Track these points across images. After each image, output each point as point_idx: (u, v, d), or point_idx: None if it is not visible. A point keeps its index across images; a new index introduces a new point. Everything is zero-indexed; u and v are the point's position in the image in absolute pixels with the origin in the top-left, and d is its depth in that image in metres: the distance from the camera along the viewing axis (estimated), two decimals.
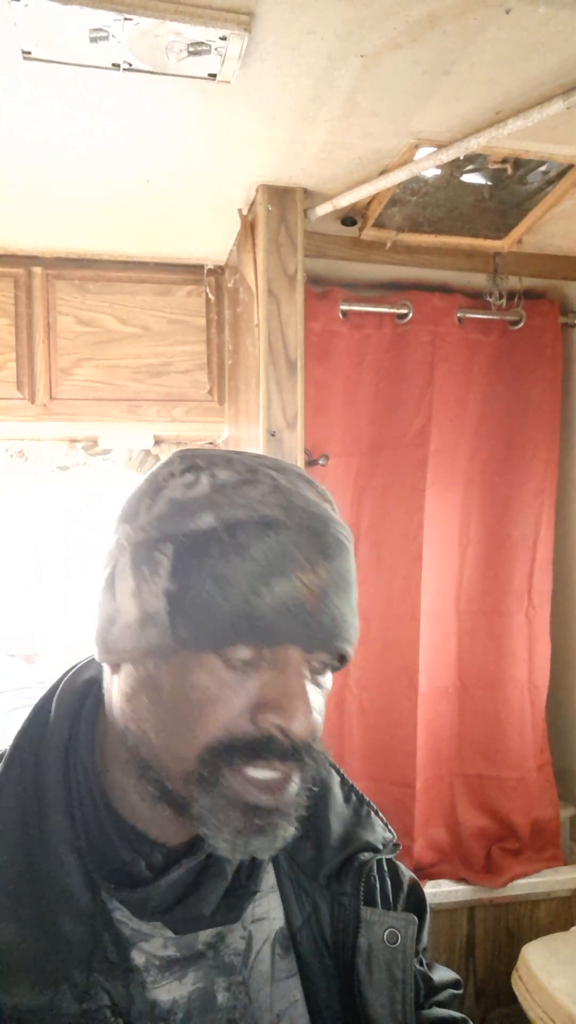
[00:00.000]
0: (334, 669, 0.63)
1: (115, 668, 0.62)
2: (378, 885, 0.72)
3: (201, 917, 0.62)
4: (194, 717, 0.57)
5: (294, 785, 0.58)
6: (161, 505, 0.59)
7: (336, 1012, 0.67)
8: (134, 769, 0.61)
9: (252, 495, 0.58)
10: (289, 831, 0.59)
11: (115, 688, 0.62)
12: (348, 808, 0.74)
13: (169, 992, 0.61)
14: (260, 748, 0.56)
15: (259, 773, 0.57)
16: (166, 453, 2.14)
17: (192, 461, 0.61)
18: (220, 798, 0.56)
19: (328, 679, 0.63)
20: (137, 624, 0.58)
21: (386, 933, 0.68)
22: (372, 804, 0.76)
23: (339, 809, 0.73)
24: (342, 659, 0.62)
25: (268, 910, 0.68)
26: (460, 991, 0.78)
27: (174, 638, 0.57)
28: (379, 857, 0.72)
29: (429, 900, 0.79)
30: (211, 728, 0.56)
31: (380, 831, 0.74)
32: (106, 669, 0.64)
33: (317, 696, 0.60)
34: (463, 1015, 0.75)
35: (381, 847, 0.72)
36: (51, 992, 0.56)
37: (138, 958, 0.60)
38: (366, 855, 0.71)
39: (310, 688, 0.59)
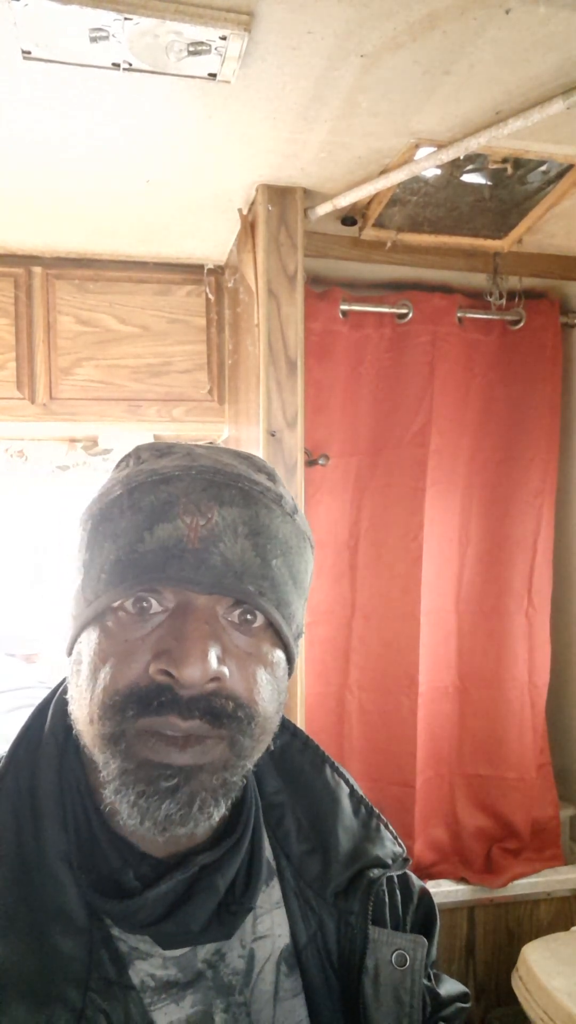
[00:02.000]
0: (284, 648, 0.61)
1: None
2: (387, 899, 0.70)
3: (190, 932, 0.60)
4: (101, 677, 0.56)
5: (215, 746, 0.55)
6: (97, 491, 0.63)
7: None
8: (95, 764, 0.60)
9: (161, 463, 0.60)
10: (211, 805, 0.55)
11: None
12: (357, 821, 0.71)
13: (167, 1015, 0.58)
14: (151, 698, 0.54)
15: (164, 731, 0.54)
16: None
17: (132, 450, 0.65)
18: (125, 758, 0.54)
19: (274, 653, 0.60)
20: (72, 605, 0.61)
21: (394, 955, 0.66)
22: (382, 816, 0.73)
23: (348, 822, 0.71)
24: (273, 627, 0.59)
25: (272, 927, 0.65)
26: (468, 1004, 0.75)
27: (84, 602, 0.58)
28: (388, 874, 0.69)
29: None
30: (114, 684, 0.55)
31: (390, 845, 0.71)
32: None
33: (252, 665, 0.58)
34: None
35: (390, 862, 0.70)
36: (46, 1012, 0.54)
37: (135, 978, 0.58)
38: (375, 872, 0.68)
39: (227, 642, 0.56)
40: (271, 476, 0.63)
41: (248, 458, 0.64)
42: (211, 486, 0.57)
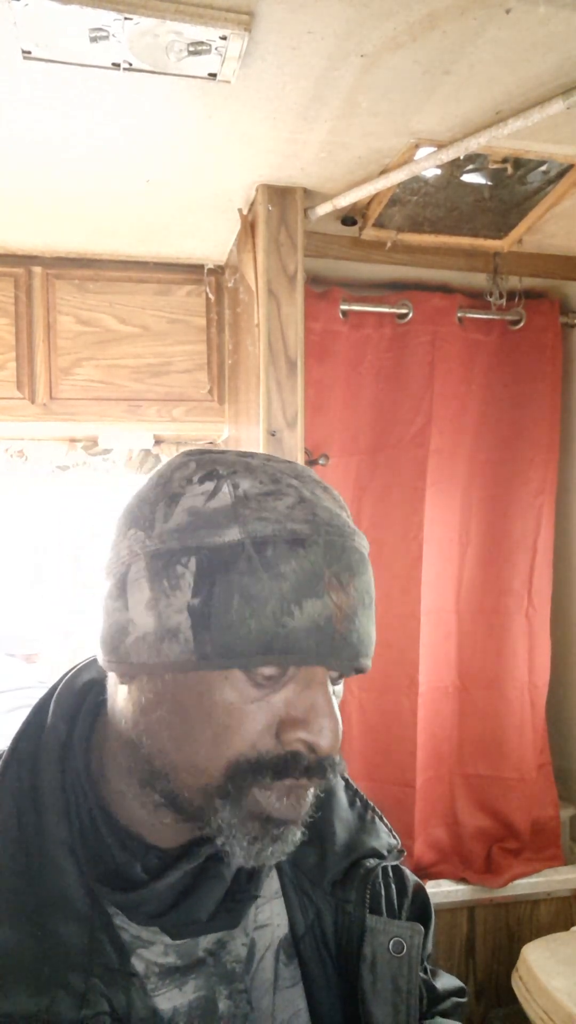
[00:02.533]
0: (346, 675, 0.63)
1: (125, 678, 0.60)
2: (383, 892, 0.71)
3: (198, 922, 0.61)
4: (218, 733, 0.56)
5: (311, 795, 0.59)
6: (180, 515, 0.57)
7: (339, 1022, 0.65)
8: (141, 777, 0.60)
9: (278, 508, 0.57)
10: (298, 836, 0.59)
11: (125, 697, 0.61)
12: (353, 813, 0.73)
13: (169, 1000, 0.59)
14: (287, 765, 0.56)
15: (286, 791, 0.57)
16: (166, 453, 2.14)
17: (211, 468, 0.59)
18: (243, 811, 0.56)
19: (340, 686, 0.63)
20: (155, 638, 0.56)
21: (391, 942, 0.67)
22: (377, 809, 0.75)
23: (344, 815, 0.72)
24: (358, 670, 0.62)
25: (271, 916, 0.66)
26: (464, 999, 0.76)
27: (198, 654, 0.55)
28: (384, 864, 0.71)
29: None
30: (237, 745, 0.56)
31: (385, 837, 0.73)
32: (112, 676, 0.63)
33: (336, 708, 0.60)
34: None
35: (386, 853, 0.71)
36: (48, 998, 0.54)
37: (138, 965, 0.59)
38: (371, 862, 0.70)
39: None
40: (346, 510, 0.62)
41: (327, 489, 0.62)
42: (339, 552, 0.57)
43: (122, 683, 0.61)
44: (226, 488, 0.57)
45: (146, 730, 0.59)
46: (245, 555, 0.54)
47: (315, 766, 0.57)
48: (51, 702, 0.67)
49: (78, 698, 0.67)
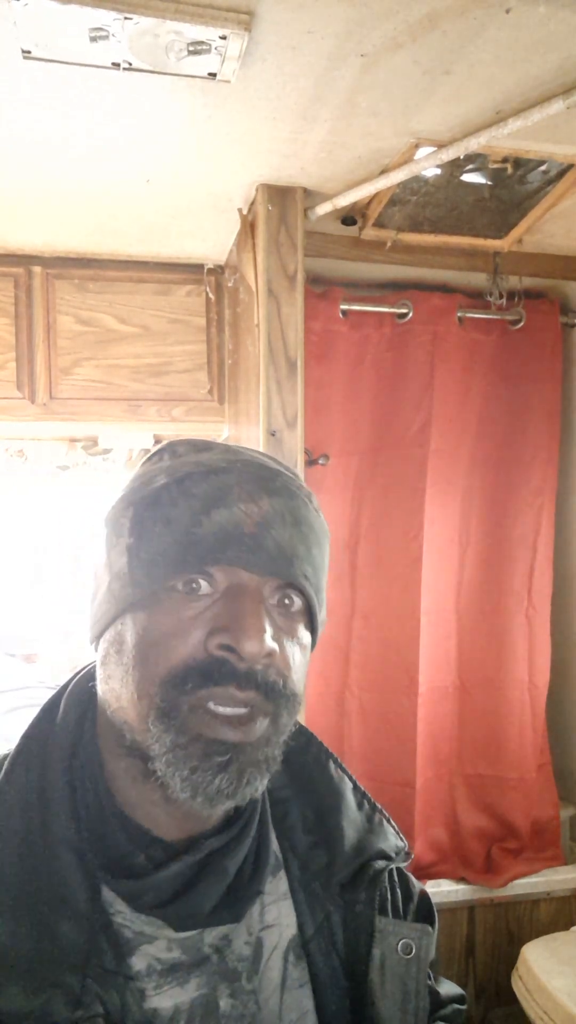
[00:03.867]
0: (311, 630, 0.64)
1: (95, 642, 0.64)
2: (389, 895, 0.71)
3: (200, 914, 0.61)
4: (153, 654, 0.57)
5: (261, 723, 0.58)
6: (129, 483, 0.65)
7: (348, 1022, 0.65)
8: (119, 748, 0.61)
9: (203, 456, 0.63)
10: (257, 779, 0.58)
11: (98, 664, 0.64)
12: (361, 815, 0.73)
13: (171, 998, 0.59)
14: (213, 671, 0.56)
15: (221, 708, 0.56)
16: None
17: (160, 446, 0.67)
18: (179, 732, 0.56)
19: (304, 635, 0.63)
20: (107, 587, 0.61)
21: (400, 944, 0.67)
22: (384, 812, 0.75)
23: (352, 816, 0.72)
24: (310, 611, 0.63)
25: (279, 917, 0.66)
26: (464, 1007, 0.77)
27: (133, 584, 0.59)
28: (393, 866, 0.71)
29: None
30: (168, 660, 0.57)
31: (393, 839, 0.73)
32: (97, 654, 0.65)
33: (290, 645, 0.61)
34: None
35: (394, 855, 0.72)
36: (43, 997, 0.54)
37: (140, 963, 0.59)
38: (380, 863, 0.70)
39: (272, 623, 0.59)
40: (293, 472, 0.67)
41: (274, 458, 0.67)
42: (259, 478, 0.61)
43: (96, 651, 0.64)
44: (167, 454, 0.66)
45: (104, 680, 0.62)
46: (167, 490, 0.60)
47: (244, 675, 0.56)
48: (62, 700, 0.68)
49: (87, 697, 0.68)
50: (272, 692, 0.58)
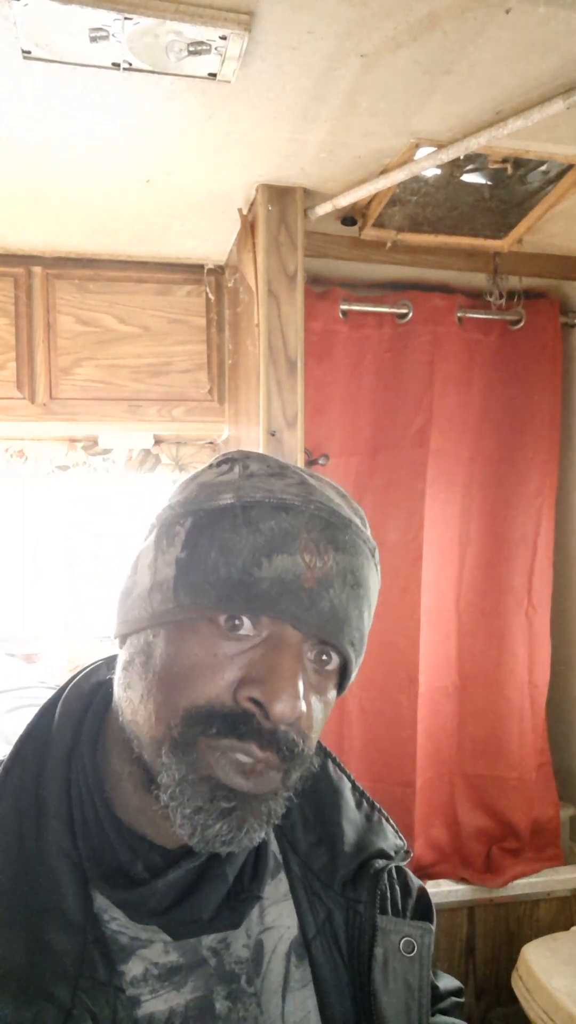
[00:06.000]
0: (339, 687, 0.62)
1: (120, 639, 0.63)
2: (388, 893, 0.71)
3: (199, 921, 0.60)
4: (180, 683, 0.56)
5: (273, 777, 0.57)
6: (192, 488, 0.62)
7: (350, 1022, 0.65)
8: (126, 753, 0.61)
9: (276, 484, 0.59)
10: (256, 830, 0.57)
11: (118, 665, 0.63)
12: (360, 814, 0.73)
13: (166, 1002, 0.59)
14: (238, 723, 0.55)
15: (237, 754, 0.55)
16: (166, 453, 2.14)
17: (231, 455, 0.64)
18: (190, 769, 0.55)
19: (332, 693, 0.62)
20: (147, 591, 0.59)
21: (402, 942, 0.67)
22: (383, 810, 0.75)
23: (352, 815, 0.72)
24: (344, 670, 0.61)
25: (279, 918, 0.66)
26: (462, 999, 0.77)
27: (175, 602, 0.57)
28: (393, 864, 0.71)
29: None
30: (194, 695, 0.55)
31: (392, 838, 0.73)
32: (118, 659, 0.64)
33: (317, 703, 0.59)
34: (465, 1023, 0.74)
35: (393, 854, 0.72)
36: (33, 1009, 0.54)
37: (135, 968, 0.59)
38: (380, 862, 0.70)
39: (305, 681, 0.57)
40: (363, 519, 0.64)
41: (345, 497, 0.64)
42: (329, 527, 0.58)
43: (120, 647, 0.63)
44: (237, 468, 0.62)
45: (123, 686, 0.61)
46: (231, 513, 0.57)
47: (268, 734, 0.55)
48: (58, 704, 0.67)
49: (85, 699, 0.67)
50: (290, 754, 0.56)
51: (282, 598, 0.56)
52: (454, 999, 0.76)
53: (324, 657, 0.59)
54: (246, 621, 0.57)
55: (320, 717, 0.60)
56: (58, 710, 0.66)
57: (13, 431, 2.00)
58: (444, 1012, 0.75)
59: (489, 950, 1.98)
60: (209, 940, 0.62)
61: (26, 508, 2.31)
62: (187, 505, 0.60)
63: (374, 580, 0.62)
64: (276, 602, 0.55)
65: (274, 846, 0.69)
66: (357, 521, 0.62)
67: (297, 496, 0.59)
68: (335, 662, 0.60)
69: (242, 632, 0.57)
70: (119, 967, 0.58)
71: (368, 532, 0.63)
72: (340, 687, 0.63)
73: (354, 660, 0.61)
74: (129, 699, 0.60)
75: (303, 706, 0.56)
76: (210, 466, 0.64)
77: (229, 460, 0.63)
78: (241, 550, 0.56)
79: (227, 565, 0.56)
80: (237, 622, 0.56)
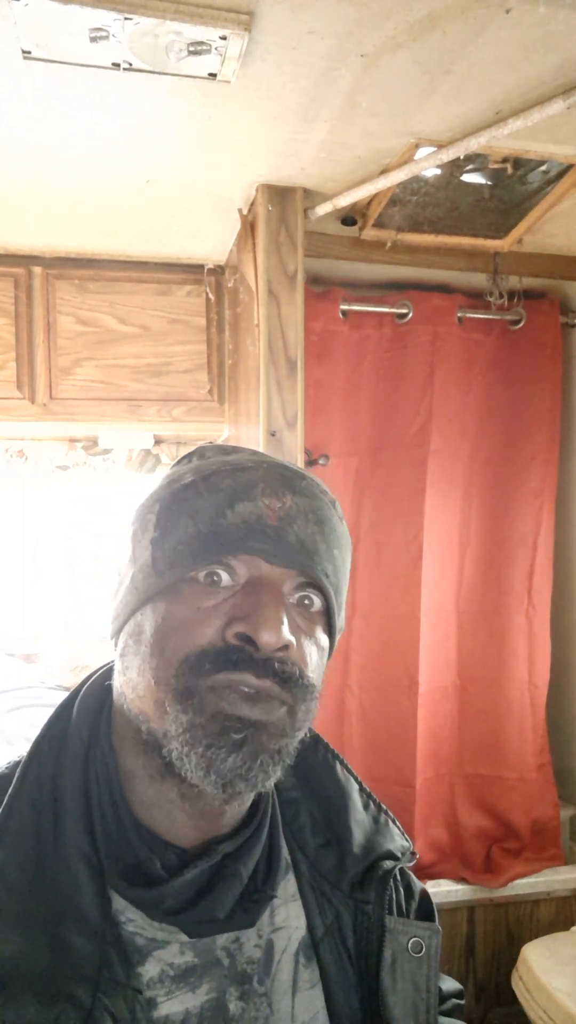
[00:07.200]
0: (329, 633, 0.64)
1: (114, 636, 0.65)
2: (393, 895, 0.71)
3: (215, 920, 0.61)
4: (172, 641, 0.58)
5: (278, 709, 0.58)
6: (158, 483, 0.67)
7: (358, 1022, 0.66)
8: (137, 747, 0.61)
9: (230, 457, 0.65)
10: (270, 767, 0.58)
11: (116, 658, 0.64)
12: (368, 816, 0.74)
13: (182, 1003, 0.59)
14: (228, 657, 0.57)
15: (237, 686, 0.57)
16: (166, 453, 2.14)
17: (195, 449, 0.69)
18: (197, 712, 0.56)
19: (322, 637, 0.63)
20: (130, 581, 0.63)
21: (411, 943, 0.68)
22: (389, 812, 0.76)
23: (359, 816, 0.73)
24: (329, 613, 0.63)
25: (288, 919, 0.66)
26: (463, 1001, 0.78)
27: (156, 575, 0.60)
28: (400, 866, 0.71)
29: None
30: (186, 647, 0.58)
31: (398, 839, 0.74)
32: (116, 649, 0.65)
33: (308, 644, 0.61)
34: None
35: (400, 856, 0.72)
36: (55, 1010, 0.54)
37: (152, 969, 0.59)
38: (388, 863, 0.70)
39: (291, 621, 0.60)
40: (322, 483, 0.68)
41: (300, 468, 0.68)
42: (284, 477, 0.62)
43: (116, 646, 0.65)
44: (195, 457, 0.68)
45: (122, 673, 0.62)
46: (193, 486, 0.62)
47: (261, 663, 0.57)
48: (75, 703, 0.67)
49: (101, 699, 0.68)
50: (289, 681, 0.58)
51: (250, 537, 0.59)
52: (455, 1001, 0.77)
53: (306, 601, 0.62)
54: (223, 575, 0.60)
55: (315, 657, 0.62)
56: (75, 709, 0.67)
57: (13, 431, 2.00)
58: (445, 1013, 0.75)
59: (489, 950, 1.98)
60: (223, 940, 0.62)
61: (26, 508, 2.31)
62: (154, 495, 0.65)
63: (340, 528, 0.65)
64: (244, 540, 0.59)
65: (283, 847, 0.69)
66: (311, 477, 0.66)
67: (250, 460, 0.64)
68: (317, 604, 0.63)
69: (223, 584, 0.60)
70: (136, 969, 0.59)
71: (325, 487, 0.67)
72: (331, 634, 0.65)
73: (333, 596, 0.63)
74: (129, 680, 0.61)
75: (288, 633, 0.58)
76: (174, 464, 0.70)
77: (188, 454, 0.69)
78: (206, 509, 0.60)
79: (195, 524, 0.60)
80: (215, 577, 0.59)
